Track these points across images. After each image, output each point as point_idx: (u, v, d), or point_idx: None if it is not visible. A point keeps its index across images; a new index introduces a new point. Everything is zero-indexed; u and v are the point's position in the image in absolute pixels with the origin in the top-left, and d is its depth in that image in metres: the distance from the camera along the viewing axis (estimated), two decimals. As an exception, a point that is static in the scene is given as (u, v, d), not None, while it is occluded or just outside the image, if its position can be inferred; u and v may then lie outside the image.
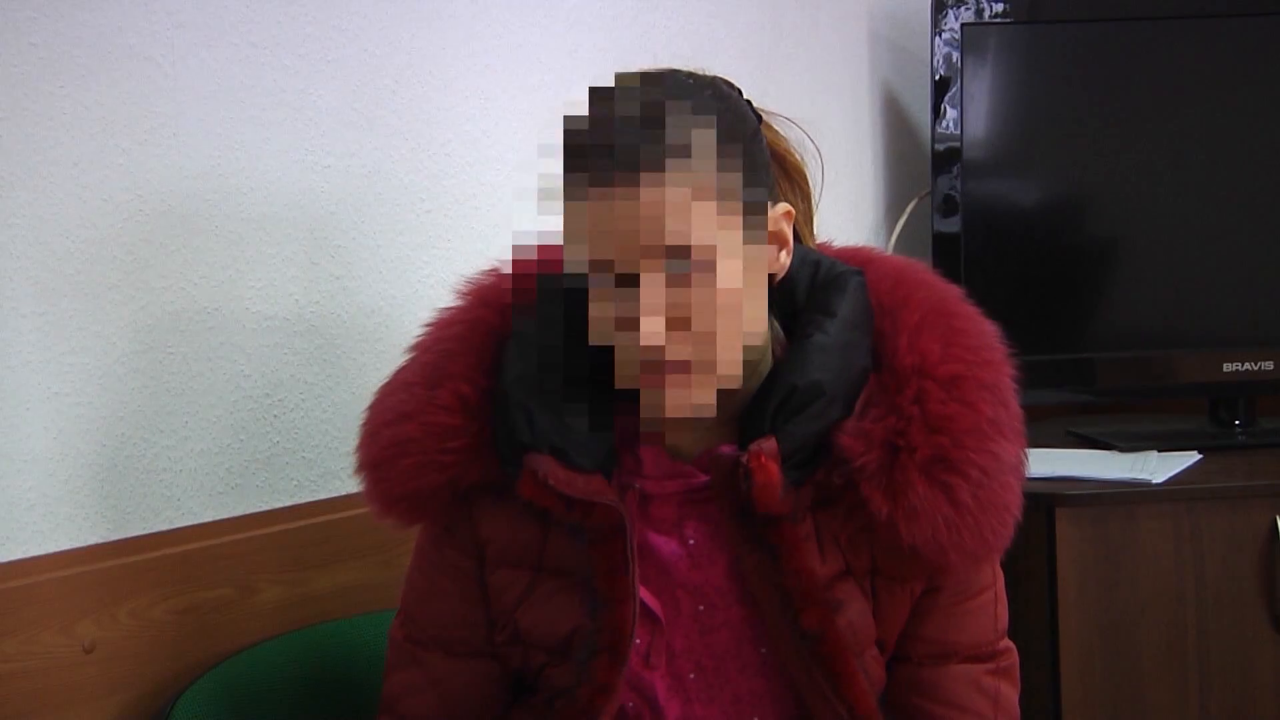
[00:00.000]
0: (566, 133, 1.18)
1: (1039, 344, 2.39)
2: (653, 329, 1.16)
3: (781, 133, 1.37)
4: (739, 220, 1.19)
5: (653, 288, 1.16)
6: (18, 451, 1.44)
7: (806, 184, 1.39)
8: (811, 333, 1.25)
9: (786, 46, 2.44)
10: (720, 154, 1.18)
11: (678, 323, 1.17)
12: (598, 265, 1.17)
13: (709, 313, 1.17)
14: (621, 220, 1.16)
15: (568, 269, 1.19)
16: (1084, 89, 2.44)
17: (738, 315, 1.19)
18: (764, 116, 1.34)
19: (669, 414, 1.19)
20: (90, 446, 1.50)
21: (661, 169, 1.15)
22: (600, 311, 1.18)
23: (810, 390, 1.22)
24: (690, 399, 1.18)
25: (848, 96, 2.59)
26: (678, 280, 1.16)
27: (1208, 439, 2.40)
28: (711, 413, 1.21)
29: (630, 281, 1.16)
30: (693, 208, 1.16)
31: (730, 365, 1.19)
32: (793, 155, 1.37)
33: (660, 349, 1.16)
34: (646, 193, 1.15)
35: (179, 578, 1.56)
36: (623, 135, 1.15)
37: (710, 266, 1.17)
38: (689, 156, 1.16)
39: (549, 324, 1.25)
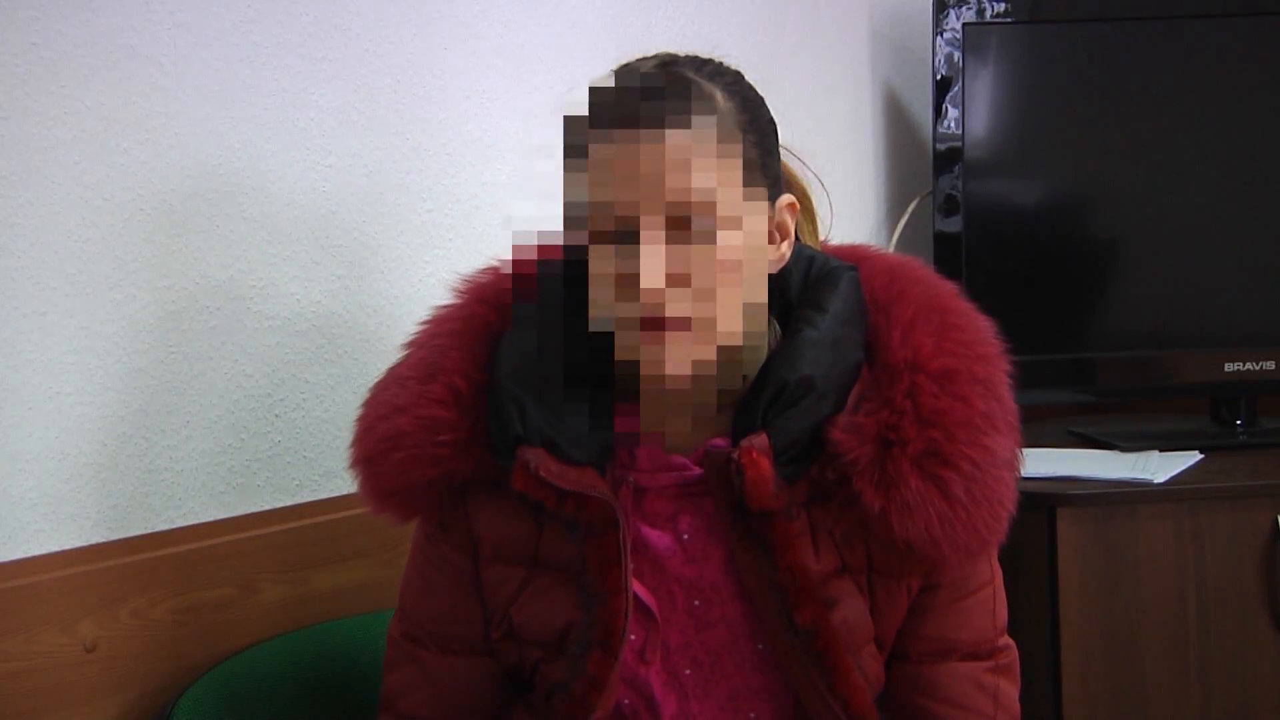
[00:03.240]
0: (567, 119, 1.20)
1: (1041, 344, 2.39)
2: (653, 282, 1.16)
3: (786, 164, 1.38)
4: (746, 189, 1.21)
5: (654, 243, 1.17)
6: (19, 451, 1.44)
7: (811, 204, 1.40)
8: (802, 328, 1.25)
9: (788, 46, 2.44)
10: (733, 124, 1.20)
11: (679, 278, 1.17)
12: (599, 220, 1.18)
13: (710, 271, 1.18)
14: (626, 174, 1.17)
15: (567, 225, 1.20)
16: (1086, 89, 2.44)
17: (738, 278, 1.19)
18: None
19: (669, 371, 1.18)
20: (92, 446, 1.50)
21: (671, 126, 1.16)
22: (601, 270, 1.18)
23: (801, 385, 1.22)
24: (690, 358, 1.18)
25: (849, 96, 2.59)
26: (680, 236, 1.17)
27: (1209, 439, 2.40)
28: (711, 393, 1.21)
29: (631, 238, 1.17)
30: (699, 167, 1.17)
31: (730, 324, 1.19)
32: (798, 180, 1.39)
33: (660, 300, 1.17)
34: (650, 149, 1.16)
35: (180, 577, 1.56)
36: (636, 93, 1.17)
37: (713, 225, 1.18)
38: (700, 114, 1.17)
39: (548, 318, 1.25)
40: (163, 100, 1.55)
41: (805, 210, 1.39)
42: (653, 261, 1.17)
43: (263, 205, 1.65)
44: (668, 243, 1.17)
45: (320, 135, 1.71)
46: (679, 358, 1.18)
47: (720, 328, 1.19)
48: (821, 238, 1.42)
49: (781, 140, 1.37)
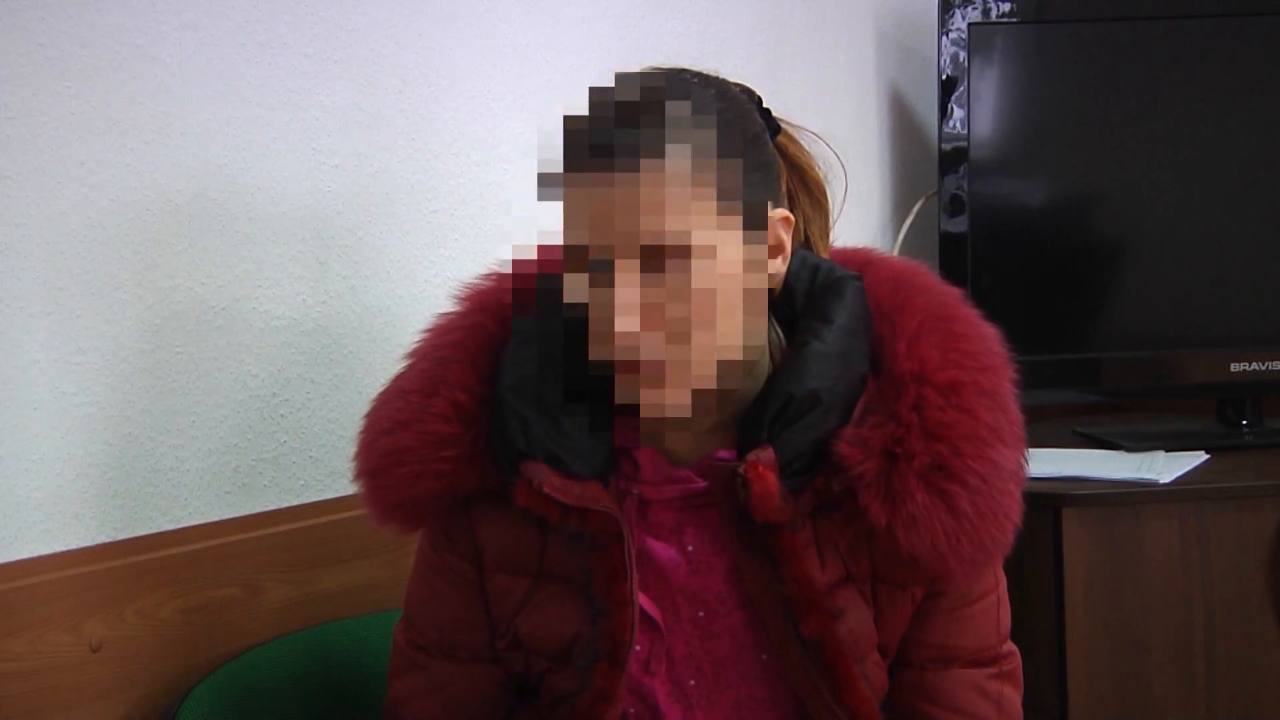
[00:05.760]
0: (566, 129, 1.19)
1: (1046, 344, 2.39)
2: (652, 325, 1.16)
3: (806, 147, 1.36)
4: (737, 218, 1.19)
5: (644, 275, 1.16)
6: (25, 451, 1.44)
7: (826, 199, 1.38)
8: (809, 340, 1.24)
9: (793, 46, 2.44)
10: (718, 151, 1.18)
11: (677, 320, 1.16)
12: (596, 252, 1.17)
13: (708, 307, 1.17)
14: (617, 212, 1.15)
15: (567, 263, 1.20)
16: (1091, 89, 2.44)
17: (736, 310, 1.19)
18: (789, 129, 1.34)
19: (669, 413, 1.18)
20: (97, 446, 1.50)
21: (659, 160, 1.15)
22: (600, 320, 1.18)
23: (807, 399, 1.21)
24: (689, 392, 1.18)
25: (854, 96, 2.59)
26: (674, 273, 1.16)
27: (1215, 439, 2.39)
28: (713, 411, 1.20)
29: (629, 280, 1.16)
30: (690, 203, 1.16)
31: (730, 351, 1.19)
32: (814, 171, 1.37)
33: (660, 346, 1.16)
34: (644, 189, 1.15)
35: (186, 577, 1.56)
36: (619, 126, 1.15)
37: (709, 261, 1.17)
38: (685, 146, 1.16)
39: (548, 329, 1.25)
40: (168, 100, 1.55)
41: (817, 203, 1.37)
42: (650, 301, 1.16)
43: (268, 205, 1.65)
44: (662, 284, 1.16)
45: (325, 135, 1.71)
46: (678, 393, 1.18)
47: (720, 355, 1.18)
48: (833, 227, 1.41)
49: (798, 122, 1.36)
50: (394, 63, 1.78)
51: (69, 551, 1.47)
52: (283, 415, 1.68)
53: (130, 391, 1.53)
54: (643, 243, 1.15)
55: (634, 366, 1.17)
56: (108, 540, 1.51)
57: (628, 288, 1.16)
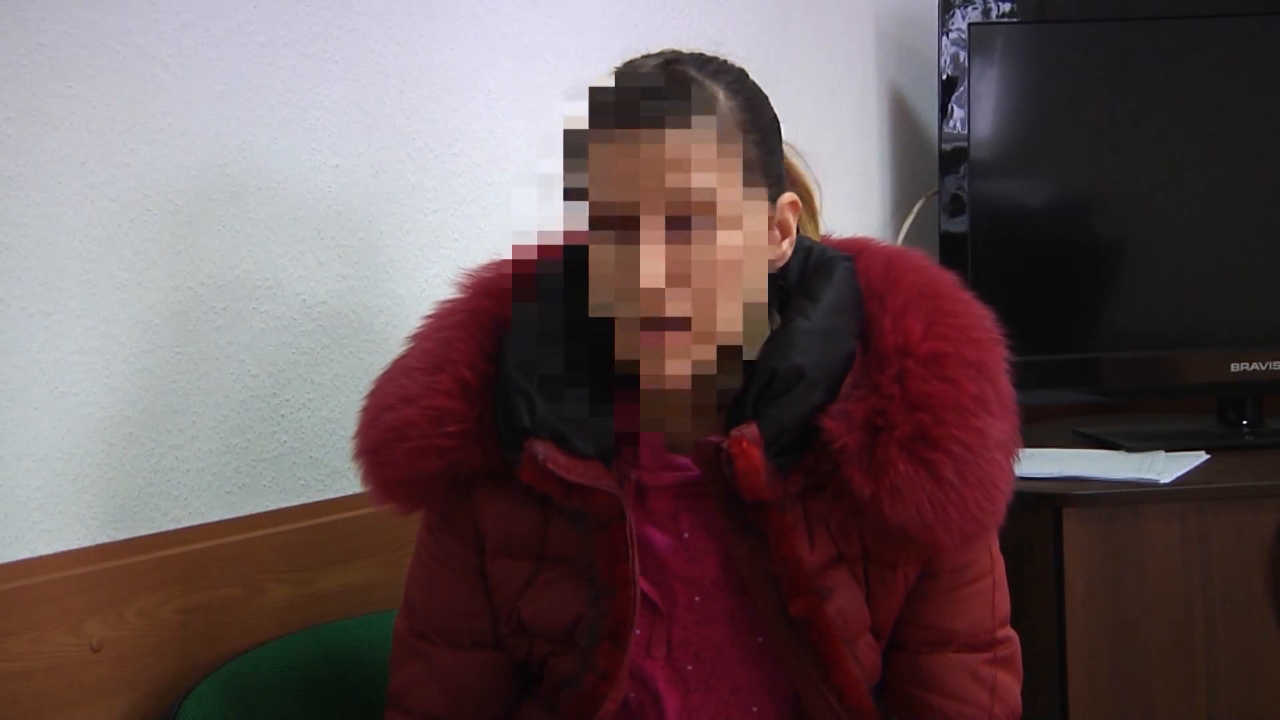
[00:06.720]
0: (569, 120, 1.21)
1: (1046, 344, 2.39)
2: (653, 282, 1.17)
3: (791, 161, 1.38)
4: (746, 188, 1.21)
5: (653, 232, 1.17)
6: (25, 451, 1.44)
7: (814, 201, 1.40)
8: (794, 317, 1.25)
9: (794, 46, 2.44)
10: (735, 122, 1.21)
11: (678, 278, 1.18)
12: (600, 208, 1.19)
13: (709, 271, 1.18)
14: (626, 173, 1.17)
15: (568, 223, 1.21)
16: (1091, 89, 2.44)
17: (738, 277, 1.20)
18: None
19: (668, 373, 1.19)
20: (97, 446, 1.50)
21: (671, 125, 1.17)
22: (601, 267, 1.19)
23: (791, 374, 1.22)
24: (690, 359, 1.19)
25: (855, 96, 2.59)
26: (679, 236, 1.18)
27: (1215, 439, 2.39)
28: (712, 370, 1.21)
29: (631, 238, 1.18)
30: (700, 166, 1.18)
31: (730, 324, 1.20)
32: (803, 178, 1.39)
33: (660, 301, 1.17)
34: (650, 149, 1.17)
35: (186, 577, 1.56)
36: (638, 93, 1.18)
37: (713, 225, 1.18)
38: (701, 114, 1.18)
39: (548, 310, 1.26)
40: (169, 100, 1.55)
41: (808, 207, 1.39)
42: (652, 261, 1.17)
43: (268, 205, 1.65)
44: (668, 242, 1.18)
45: (326, 135, 1.71)
46: (679, 359, 1.19)
47: (720, 328, 1.20)
48: (820, 221, 1.43)
49: (785, 138, 1.38)
50: (394, 62, 1.79)
51: (69, 551, 1.48)
52: (283, 415, 1.68)
53: (130, 391, 1.53)
54: (646, 190, 1.17)
55: (634, 324, 1.18)
56: (108, 540, 1.51)
57: (630, 244, 1.18)
